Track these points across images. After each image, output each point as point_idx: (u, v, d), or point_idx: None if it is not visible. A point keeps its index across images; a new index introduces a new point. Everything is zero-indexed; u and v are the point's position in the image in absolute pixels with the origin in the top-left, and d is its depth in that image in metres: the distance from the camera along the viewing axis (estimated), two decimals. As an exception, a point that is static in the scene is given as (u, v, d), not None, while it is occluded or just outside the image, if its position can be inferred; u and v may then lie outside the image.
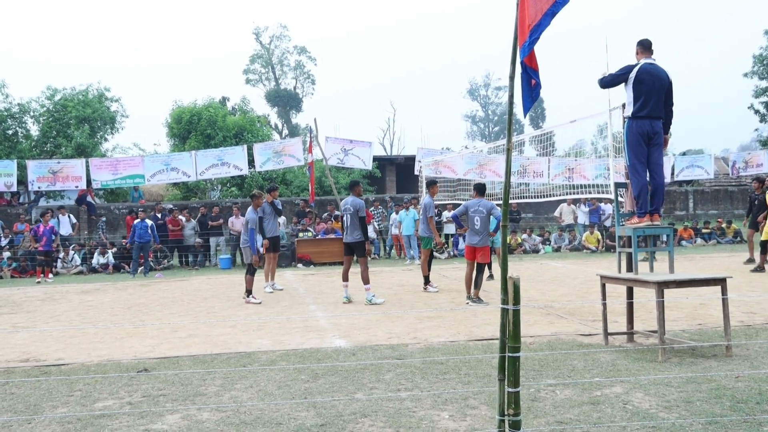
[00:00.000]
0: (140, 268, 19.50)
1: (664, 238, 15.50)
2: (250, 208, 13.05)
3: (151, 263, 20.38)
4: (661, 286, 6.98)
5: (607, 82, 7.85)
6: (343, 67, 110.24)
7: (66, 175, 23.69)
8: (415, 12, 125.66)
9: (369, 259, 13.04)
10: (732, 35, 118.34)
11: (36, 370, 7.45)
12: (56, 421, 5.42)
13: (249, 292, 12.58)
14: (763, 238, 15.05)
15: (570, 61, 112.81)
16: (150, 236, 19.51)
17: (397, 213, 21.93)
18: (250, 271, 12.76)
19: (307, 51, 65.32)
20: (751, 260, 16.53)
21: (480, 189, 12.16)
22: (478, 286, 11.63)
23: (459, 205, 13.44)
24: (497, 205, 15.40)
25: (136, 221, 19.61)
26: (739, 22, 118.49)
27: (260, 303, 12.37)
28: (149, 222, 19.67)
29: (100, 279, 18.70)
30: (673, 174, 29.25)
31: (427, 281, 13.50)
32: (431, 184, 14.02)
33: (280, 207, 14.29)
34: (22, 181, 24.52)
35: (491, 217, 11.68)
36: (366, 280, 12.01)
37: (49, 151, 28.28)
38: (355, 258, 12.34)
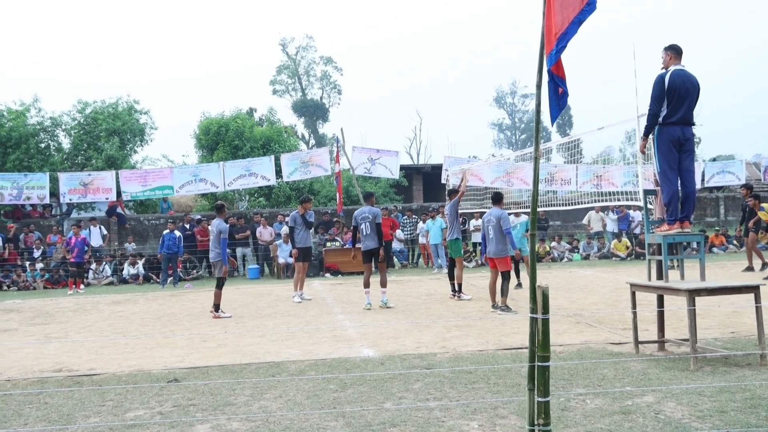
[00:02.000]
0: (169, 279, 19.67)
1: (695, 245, 15.33)
2: (217, 220, 12.82)
3: (180, 274, 20.53)
4: (693, 293, 6.90)
5: (654, 111, 7.73)
6: (369, 76, 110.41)
7: (97, 187, 23.99)
8: (440, 20, 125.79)
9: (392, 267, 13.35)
10: (758, 30, 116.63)
11: (69, 380, 7.53)
12: (88, 430, 5.47)
13: (217, 306, 12.40)
14: None
15: (595, 64, 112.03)
16: (177, 247, 19.68)
17: (423, 222, 21.92)
18: (219, 284, 12.55)
19: (333, 61, 65.63)
20: (749, 269, 16.32)
21: (495, 198, 12.15)
22: (504, 294, 11.60)
23: (485, 212, 13.38)
24: (517, 213, 15.35)
25: (165, 232, 19.80)
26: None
27: (230, 317, 12.20)
28: (178, 233, 19.86)
29: (130, 290, 18.89)
30: (703, 180, 28.95)
31: (460, 289, 13.45)
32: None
33: (311, 219, 14.40)
34: (54, 193, 24.87)
35: (502, 228, 11.57)
36: (384, 284, 12.87)
37: (80, 163, 28.65)
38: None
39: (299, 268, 14.33)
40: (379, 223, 12.95)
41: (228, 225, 13.22)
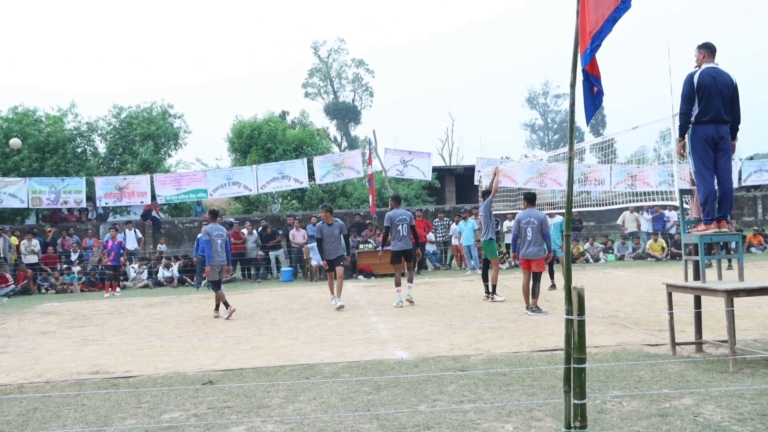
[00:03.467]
0: (203, 282, 19.79)
1: (733, 245, 15.12)
2: (220, 226, 13.72)
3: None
4: (731, 294, 6.80)
5: (684, 110, 7.66)
6: (401, 77, 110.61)
7: (132, 190, 24.31)
8: (468, 19, 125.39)
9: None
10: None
11: (105, 382, 7.62)
12: (125, 432, 5.53)
13: (226, 304, 12.97)
14: None
15: (629, 62, 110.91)
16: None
17: (456, 223, 21.86)
18: (215, 287, 13.25)
19: (365, 63, 65.82)
20: None
21: (530, 198, 12.06)
22: (536, 295, 11.56)
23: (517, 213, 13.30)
24: (559, 213, 15.22)
25: (200, 235, 19.91)
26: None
27: (223, 318, 12.76)
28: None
29: (165, 292, 19.08)
30: (740, 179, 28.53)
31: (494, 290, 13.38)
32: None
33: (338, 231, 13.71)
34: (90, 197, 25.22)
35: (542, 232, 11.54)
36: (411, 281, 13.75)
37: (115, 167, 29.00)
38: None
39: (332, 276, 13.87)
40: (414, 225, 13.67)
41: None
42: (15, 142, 22.76)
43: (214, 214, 13.89)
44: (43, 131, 26.94)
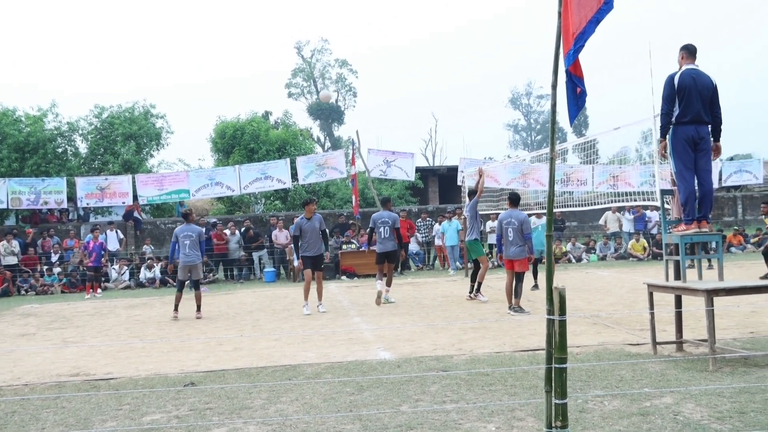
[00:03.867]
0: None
1: (713, 245, 15.23)
2: (192, 225, 13.70)
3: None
4: (711, 294, 6.85)
5: (665, 111, 7.72)
6: (384, 78, 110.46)
7: (113, 191, 24.14)
8: (455, 21, 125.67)
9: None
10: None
11: (86, 384, 7.56)
12: (106, 434, 5.49)
13: (176, 307, 13.18)
14: None
15: (611, 63, 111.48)
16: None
17: (440, 224, 21.90)
18: (198, 286, 13.50)
19: (348, 64, 65.72)
20: None
21: (512, 199, 12.08)
22: (518, 295, 11.61)
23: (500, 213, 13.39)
24: (539, 214, 15.26)
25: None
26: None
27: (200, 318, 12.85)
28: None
29: (146, 294, 18.95)
30: (720, 179, 28.75)
31: (479, 289, 13.33)
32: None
33: (322, 227, 13.21)
34: (71, 198, 25.04)
35: (523, 232, 11.55)
36: (389, 284, 13.82)
37: (96, 168, 28.83)
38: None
39: (309, 278, 12.93)
40: (398, 228, 13.89)
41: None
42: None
43: (185, 216, 13.91)
44: (22, 131, 26.75)
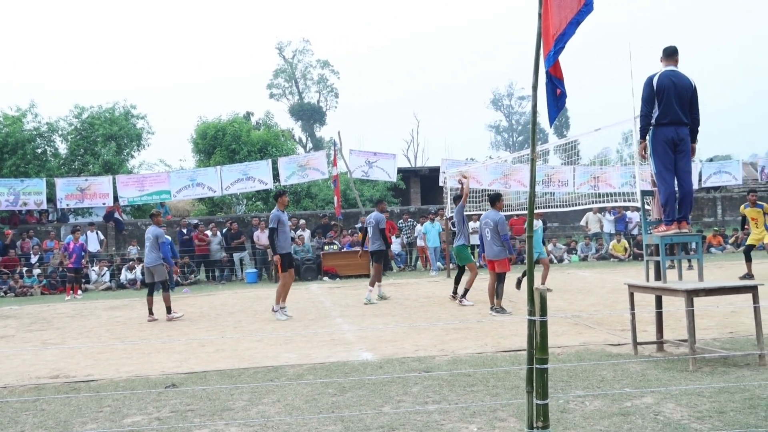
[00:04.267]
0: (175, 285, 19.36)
1: (693, 246, 15.35)
2: (152, 227, 13.38)
3: (179, 278, 20.39)
4: (691, 294, 6.90)
5: (645, 112, 7.77)
6: (366, 79, 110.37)
7: (94, 192, 23.96)
8: (435, 24, 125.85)
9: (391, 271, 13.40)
10: (753, 33, 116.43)
11: (66, 386, 7.50)
12: (86, 437, 5.45)
13: (169, 309, 12.97)
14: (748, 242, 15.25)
15: (592, 65, 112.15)
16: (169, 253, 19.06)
17: (422, 225, 21.92)
18: (165, 287, 13.17)
19: (330, 65, 65.63)
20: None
21: (492, 200, 12.08)
22: (499, 296, 11.62)
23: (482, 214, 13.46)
24: (538, 215, 15.31)
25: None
26: (762, 20, 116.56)
27: (182, 317, 12.88)
28: (168, 238, 19.48)
29: (128, 295, 18.83)
30: (700, 180, 28.99)
31: (465, 294, 13.00)
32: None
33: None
34: (50, 198, 24.84)
35: (500, 233, 11.55)
36: (373, 284, 14.08)
37: (77, 168, 28.63)
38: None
39: (286, 278, 12.41)
40: (383, 229, 14.22)
41: (162, 230, 13.51)
42: None
43: (151, 217, 13.76)
44: (1, 131, 26.50)
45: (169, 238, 13.24)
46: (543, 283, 13.38)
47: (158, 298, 13.09)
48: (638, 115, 7.99)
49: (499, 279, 11.66)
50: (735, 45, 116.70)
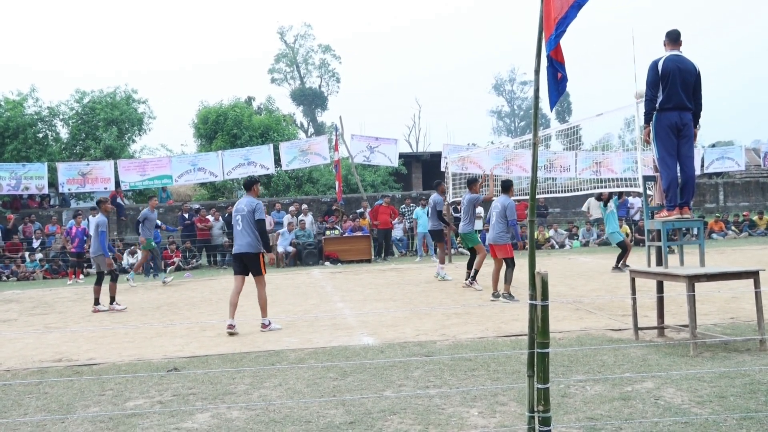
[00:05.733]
0: (168, 270, 19.40)
1: (695, 231, 15.35)
2: (99, 215, 12.83)
3: (180, 263, 20.38)
4: (692, 279, 6.90)
5: (650, 97, 7.73)
6: (368, 64, 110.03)
7: (95, 176, 23.98)
8: (435, 10, 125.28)
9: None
10: (758, 16, 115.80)
11: (68, 369, 7.53)
12: (89, 420, 5.47)
13: (113, 299, 12.54)
14: None
15: (594, 49, 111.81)
16: (159, 237, 18.91)
17: (423, 207, 21.94)
18: (113, 277, 12.66)
19: (332, 49, 65.35)
20: None
21: (505, 187, 12.00)
22: (508, 281, 11.46)
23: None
24: (521, 200, 15.31)
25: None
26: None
27: (125, 309, 12.36)
28: (159, 221, 19.27)
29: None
30: (702, 166, 28.94)
31: (475, 276, 13.05)
32: (472, 182, 13.56)
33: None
34: (52, 183, 24.85)
35: (507, 218, 11.52)
36: (442, 261, 15.03)
37: (78, 153, 28.61)
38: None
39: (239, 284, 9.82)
40: (441, 210, 14.81)
41: (107, 219, 12.80)
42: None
43: (101, 203, 13.07)
44: (2, 116, 26.49)
45: (104, 230, 12.59)
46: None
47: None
48: (640, 100, 7.96)
49: (507, 264, 11.47)
50: (739, 28, 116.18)
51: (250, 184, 10.04)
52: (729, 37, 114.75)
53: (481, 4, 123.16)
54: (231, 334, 9.18)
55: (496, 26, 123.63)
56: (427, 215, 15.35)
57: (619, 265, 15.14)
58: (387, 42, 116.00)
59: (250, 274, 9.61)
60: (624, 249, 15.16)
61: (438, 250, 15.78)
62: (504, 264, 11.54)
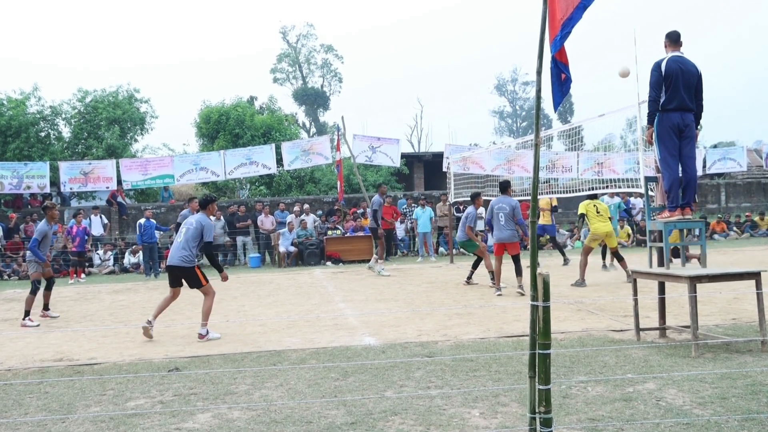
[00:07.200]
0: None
1: (696, 232, 15.35)
2: (44, 221, 11.60)
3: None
4: (694, 280, 6.89)
5: (653, 97, 7.74)
6: (370, 64, 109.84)
7: (97, 176, 24.00)
8: (438, 5, 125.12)
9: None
10: (759, 15, 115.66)
11: (69, 369, 7.53)
12: (89, 420, 5.47)
13: (27, 313, 11.10)
14: None
15: (596, 50, 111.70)
16: (156, 237, 18.89)
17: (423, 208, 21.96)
18: (32, 290, 11.32)
19: (334, 49, 65.40)
20: None
21: (504, 187, 12.56)
22: (520, 273, 11.86)
23: (487, 201, 13.57)
24: (523, 200, 15.43)
25: (142, 221, 19.07)
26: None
27: (38, 326, 10.86)
28: (155, 222, 19.29)
29: (131, 279, 18.87)
30: (704, 167, 28.93)
31: (493, 277, 12.72)
32: (476, 196, 14.06)
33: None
34: (54, 182, 24.87)
35: (515, 218, 12.07)
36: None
37: (80, 152, 28.62)
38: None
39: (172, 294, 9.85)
40: (376, 210, 14.71)
41: (50, 227, 11.66)
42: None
43: (47, 209, 11.77)
44: (4, 115, 26.49)
45: (36, 238, 11.52)
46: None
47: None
48: (643, 101, 7.96)
49: (516, 260, 12.05)
50: (738, 26, 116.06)
51: (206, 202, 9.72)
52: (730, 37, 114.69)
53: (483, 2, 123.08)
54: (146, 332, 9.05)
55: (499, 26, 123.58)
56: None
57: (606, 263, 15.41)
58: (388, 41, 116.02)
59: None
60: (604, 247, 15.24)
61: (378, 247, 16.73)
62: (513, 260, 12.10)
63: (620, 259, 13.41)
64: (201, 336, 8.93)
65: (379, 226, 16.44)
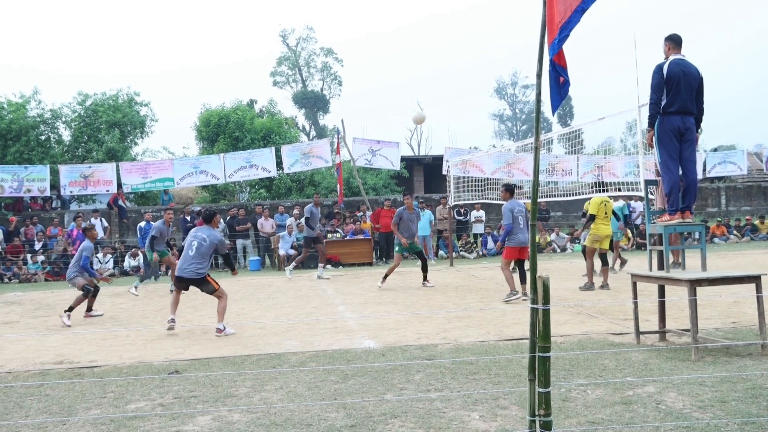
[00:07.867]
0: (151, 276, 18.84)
1: (696, 236, 15.34)
2: (86, 240, 12.02)
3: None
4: (694, 284, 6.89)
5: (654, 100, 7.73)
6: (369, 66, 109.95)
7: (97, 179, 24.04)
8: (441, 9, 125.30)
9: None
10: (758, 18, 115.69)
11: (70, 372, 7.53)
12: (90, 422, 5.47)
13: (71, 309, 11.32)
14: None
15: (596, 53, 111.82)
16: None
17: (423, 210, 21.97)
18: (86, 292, 11.63)
19: (334, 52, 65.48)
20: None
21: (510, 189, 12.46)
22: (526, 281, 11.84)
23: (487, 204, 13.56)
24: (621, 197, 15.58)
25: (143, 224, 19.01)
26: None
27: (69, 326, 10.84)
28: (155, 224, 19.21)
29: (131, 282, 18.82)
30: (704, 170, 28.95)
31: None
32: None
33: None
34: (54, 185, 24.88)
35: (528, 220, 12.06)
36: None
37: (80, 155, 28.64)
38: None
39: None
40: (308, 217, 15.31)
41: (92, 245, 11.94)
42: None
43: (84, 231, 12.17)
44: (5, 118, 26.50)
45: (87, 256, 11.84)
46: None
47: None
48: (643, 104, 7.97)
49: (520, 265, 12.10)
50: (741, 31, 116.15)
51: (210, 216, 10.32)
52: (731, 40, 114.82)
53: (483, 6, 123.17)
54: (171, 329, 9.72)
55: (499, 29, 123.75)
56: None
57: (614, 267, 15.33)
58: (388, 44, 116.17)
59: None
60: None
61: (318, 253, 17.65)
62: (521, 266, 12.15)
63: (605, 263, 13.25)
64: (219, 331, 9.42)
65: (315, 232, 17.21)
